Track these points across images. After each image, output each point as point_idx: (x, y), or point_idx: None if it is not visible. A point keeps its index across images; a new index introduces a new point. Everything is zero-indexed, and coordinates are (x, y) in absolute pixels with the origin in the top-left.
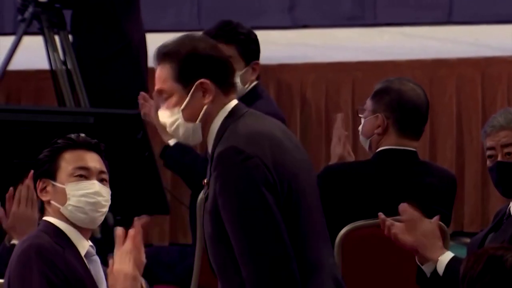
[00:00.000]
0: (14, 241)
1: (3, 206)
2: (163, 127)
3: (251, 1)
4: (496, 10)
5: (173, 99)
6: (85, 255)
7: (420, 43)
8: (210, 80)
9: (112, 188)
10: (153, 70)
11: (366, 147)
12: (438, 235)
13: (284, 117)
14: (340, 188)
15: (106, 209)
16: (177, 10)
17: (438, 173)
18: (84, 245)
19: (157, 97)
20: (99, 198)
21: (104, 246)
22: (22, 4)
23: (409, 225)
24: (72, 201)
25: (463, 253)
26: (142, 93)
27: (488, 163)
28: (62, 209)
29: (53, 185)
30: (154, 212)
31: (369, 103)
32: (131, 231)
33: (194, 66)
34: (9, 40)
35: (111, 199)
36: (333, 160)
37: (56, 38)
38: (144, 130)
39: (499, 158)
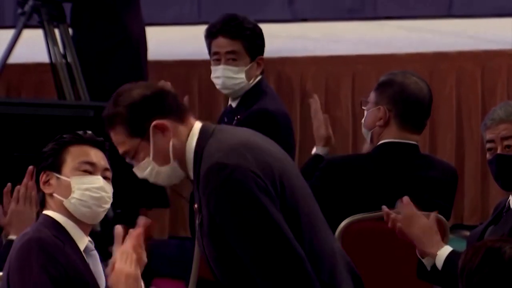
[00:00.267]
0: (11, 237)
1: (1, 200)
2: None
3: None
4: (496, 3)
5: (140, 154)
6: (84, 250)
7: (420, 36)
8: (163, 117)
9: (112, 181)
10: (153, 63)
11: (368, 139)
12: (435, 230)
13: (288, 112)
14: (341, 180)
15: (108, 206)
16: (178, 4)
17: (439, 166)
18: (84, 240)
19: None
20: (103, 194)
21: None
22: None
23: (406, 222)
24: (76, 194)
25: (462, 246)
26: None
27: (488, 156)
28: (65, 202)
29: (58, 178)
30: (154, 206)
31: (372, 95)
32: (133, 230)
33: (139, 115)
34: (9, 33)
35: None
36: (319, 143)
37: (56, 31)
38: None
39: (498, 151)
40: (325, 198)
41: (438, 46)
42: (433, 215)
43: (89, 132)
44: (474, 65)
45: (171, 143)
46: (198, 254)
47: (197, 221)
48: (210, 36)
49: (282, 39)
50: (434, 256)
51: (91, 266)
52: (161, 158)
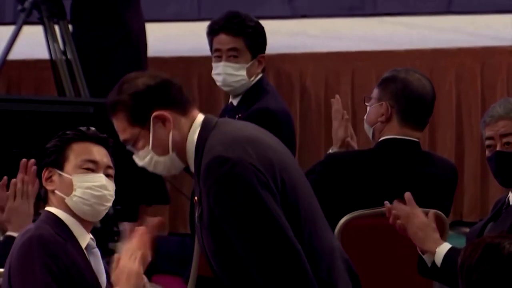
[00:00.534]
0: (10, 233)
1: None
2: None
3: None
4: (496, 0)
5: (140, 142)
6: (85, 248)
7: (420, 33)
8: (164, 108)
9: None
10: (152, 60)
11: (370, 135)
12: (433, 227)
13: (289, 110)
14: (342, 176)
15: (110, 204)
16: (178, 0)
17: (439, 163)
18: (85, 238)
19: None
20: (105, 192)
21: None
22: None
23: (404, 220)
24: (78, 192)
25: (462, 242)
26: None
27: (487, 153)
28: (67, 200)
29: (60, 175)
30: (154, 202)
31: (375, 91)
32: (140, 229)
33: (141, 105)
34: (9, 29)
35: None
36: (336, 144)
37: (56, 28)
38: None
39: (498, 148)
40: (326, 193)
41: (438, 43)
42: (432, 212)
43: (93, 128)
44: (473, 61)
45: (170, 134)
46: (198, 251)
47: (196, 213)
48: (212, 33)
49: (282, 35)
50: (433, 253)
51: (93, 264)
52: (160, 148)
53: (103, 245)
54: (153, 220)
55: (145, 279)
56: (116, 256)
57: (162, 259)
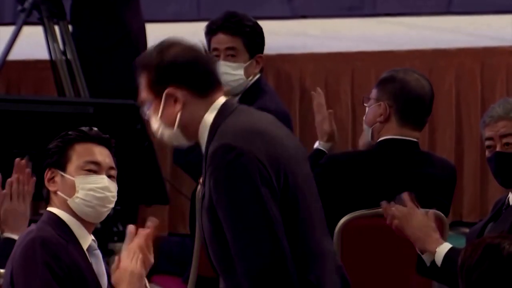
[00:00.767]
0: (7, 234)
1: None
2: None
3: None
4: (495, 0)
5: (152, 107)
6: (87, 249)
7: (420, 33)
8: (181, 87)
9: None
10: None
11: (369, 136)
12: (432, 227)
13: (287, 111)
14: (342, 177)
15: (112, 205)
16: (177, 1)
17: (439, 163)
18: (87, 239)
19: None
20: (108, 194)
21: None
22: None
23: (403, 219)
24: (80, 194)
25: (461, 243)
26: None
27: (487, 153)
28: (69, 201)
29: (62, 176)
30: (153, 202)
31: (373, 92)
32: (143, 230)
33: (160, 78)
34: (9, 30)
35: None
36: (322, 138)
37: (56, 28)
38: (144, 120)
39: (497, 149)
40: (325, 194)
41: (438, 43)
42: (431, 212)
43: (95, 128)
44: (473, 62)
45: (179, 114)
46: (198, 252)
47: (201, 194)
48: (210, 33)
49: (281, 36)
50: (433, 253)
51: (94, 266)
52: (168, 122)
53: (102, 246)
54: (155, 221)
55: (146, 281)
56: (116, 257)
57: (162, 260)
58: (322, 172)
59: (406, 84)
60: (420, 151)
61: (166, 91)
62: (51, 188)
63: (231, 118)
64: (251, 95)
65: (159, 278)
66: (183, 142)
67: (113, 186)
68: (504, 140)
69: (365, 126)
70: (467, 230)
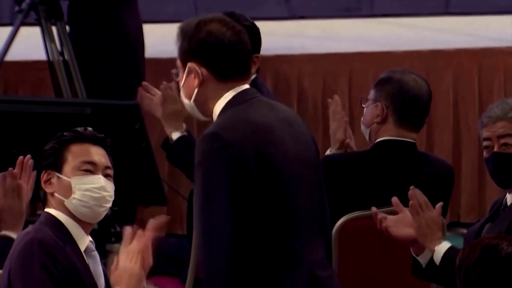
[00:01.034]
0: (4, 233)
1: None
2: (166, 119)
3: None
4: (493, 0)
5: (180, 75)
6: (84, 250)
7: (418, 34)
8: (203, 65)
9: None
10: (150, 61)
11: (366, 137)
12: (439, 224)
13: None
14: (339, 178)
15: (109, 205)
16: (175, 1)
17: (436, 164)
18: (85, 241)
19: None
20: (104, 193)
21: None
22: None
23: (414, 210)
24: (77, 194)
25: (459, 243)
26: (144, 83)
27: (485, 154)
28: (66, 202)
29: (58, 177)
30: (151, 203)
31: (371, 93)
32: (141, 231)
33: (188, 50)
34: (6, 30)
35: None
36: (334, 145)
37: (54, 29)
38: (141, 121)
39: (495, 149)
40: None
41: (435, 44)
42: (439, 207)
43: (90, 128)
44: (471, 62)
45: (196, 89)
46: (195, 252)
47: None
48: None
49: (279, 36)
50: (432, 251)
51: (91, 267)
52: (186, 93)
53: (100, 246)
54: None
55: (145, 283)
56: (115, 257)
57: (159, 260)
58: None
59: (404, 85)
60: (417, 152)
61: (189, 64)
62: (48, 189)
63: (239, 107)
64: None
65: (157, 279)
66: (198, 116)
67: (109, 186)
68: (502, 141)
69: (362, 127)
70: (465, 230)
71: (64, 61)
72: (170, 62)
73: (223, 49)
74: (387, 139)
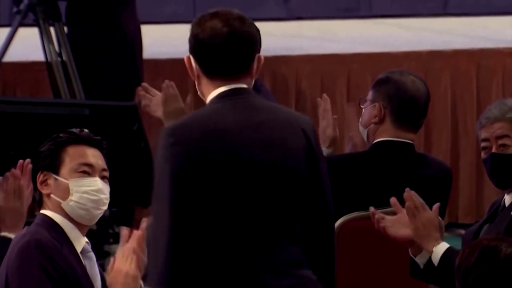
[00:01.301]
0: (4, 234)
1: None
2: (168, 117)
3: None
4: (492, 1)
5: None
6: (81, 252)
7: (416, 34)
8: (195, 60)
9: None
10: (148, 62)
11: (365, 137)
12: (436, 225)
13: None
14: (337, 179)
15: (106, 207)
16: (173, 2)
17: (434, 165)
18: (81, 242)
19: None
20: (101, 196)
21: (99, 238)
22: None
23: (410, 211)
24: (74, 197)
25: (457, 244)
26: (143, 84)
27: (483, 154)
28: (63, 204)
29: (55, 179)
30: (149, 204)
31: (369, 93)
32: (137, 231)
33: (189, 41)
34: (4, 31)
35: None
36: (324, 143)
37: (52, 30)
38: (140, 121)
39: (493, 150)
40: None
41: (433, 45)
42: (436, 208)
43: (86, 130)
44: (469, 63)
45: (196, 83)
46: None
47: None
48: None
49: (278, 37)
50: (429, 252)
51: (88, 268)
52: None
53: (98, 247)
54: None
55: (141, 283)
56: (111, 259)
57: None
58: None
59: (401, 85)
60: (415, 153)
61: (185, 57)
62: (44, 191)
63: (207, 107)
64: None
65: None
66: None
67: (106, 188)
68: (500, 142)
69: (360, 127)
70: (463, 231)
71: (62, 62)
72: (168, 63)
73: (208, 47)
74: (385, 139)
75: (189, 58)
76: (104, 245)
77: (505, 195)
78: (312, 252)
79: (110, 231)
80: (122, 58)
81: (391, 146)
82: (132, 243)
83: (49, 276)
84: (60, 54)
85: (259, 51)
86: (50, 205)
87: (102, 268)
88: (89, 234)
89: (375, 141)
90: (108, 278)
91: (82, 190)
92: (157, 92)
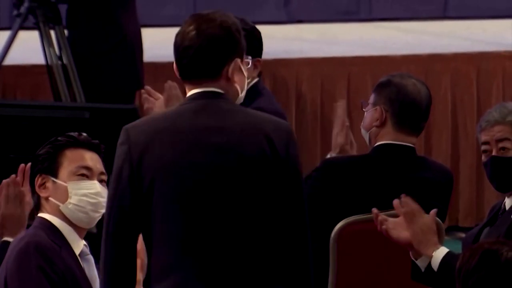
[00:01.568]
0: (6, 238)
1: None
2: None
3: None
4: (491, 4)
5: None
6: (79, 255)
7: (416, 37)
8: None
9: (107, 182)
10: (148, 65)
11: (367, 140)
12: (434, 230)
13: (285, 114)
14: (338, 182)
15: (104, 210)
16: (173, 5)
17: (435, 168)
18: (79, 244)
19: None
20: (100, 199)
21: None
22: None
23: (407, 217)
24: (73, 199)
25: (458, 247)
26: (146, 87)
27: (483, 158)
28: (62, 207)
29: (54, 182)
30: None
31: (371, 96)
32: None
33: None
34: (5, 34)
35: None
36: (334, 149)
37: (52, 33)
38: None
39: (493, 153)
40: (322, 199)
41: (433, 48)
42: (433, 213)
43: (84, 134)
44: (469, 66)
45: None
46: None
47: None
48: None
49: (278, 40)
50: (429, 257)
51: (86, 271)
52: None
53: (98, 250)
54: None
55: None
56: None
57: None
58: (319, 176)
59: (402, 89)
60: (416, 156)
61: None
62: (42, 194)
63: (172, 109)
64: (247, 97)
65: None
66: None
67: (104, 192)
68: (500, 145)
69: (363, 131)
70: (463, 235)
71: (63, 65)
72: (168, 66)
73: (177, 50)
74: (386, 143)
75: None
76: None
77: (506, 198)
78: (282, 266)
79: None
80: (122, 61)
81: (392, 149)
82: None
83: (48, 278)
84: (60, 57)
85: (238, 54)
86: (49, 208)
87: None
88: (90, 237)
89: (376, 144)
90: None
91: (81, 192)
92: (160, 95)
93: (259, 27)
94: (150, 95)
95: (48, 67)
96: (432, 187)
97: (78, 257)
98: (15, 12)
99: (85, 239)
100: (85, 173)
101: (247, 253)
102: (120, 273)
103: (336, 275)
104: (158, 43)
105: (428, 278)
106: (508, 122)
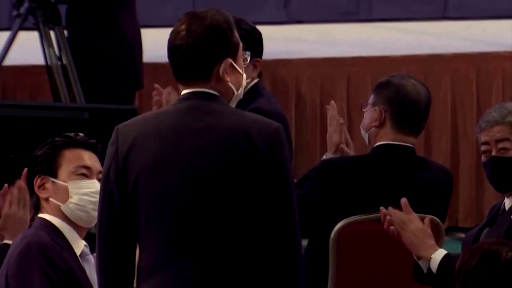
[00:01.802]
0: (6, 241)
1: None
2: None
3: None
4: (491, 5)
5: None
6: (80, 255)
7: (415, 38)
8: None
9: None
10: (148, 66)
11: (366, 141)
12: (429, 233)
13: (285, 115)
14: (337, 182)
15: None
16: (173, 5)
17: (435, 168)
18: (80, 245)
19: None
20: None
21: None
22: (17, 0)
23: (398, 226)
24: (74, 199)
25: (457, 248)
26: (155, 85)
27: (483, 158)
28: (63, 207)
29: (53, 182)
30: None
31: (371, 97)
32: None
33: None
34: (4, 35)
35: None
36: (330, 149)
37: (52, 33)
38: None
39: (493, 153)
40: (321, 199)
41: (433, 48)
42: (428, 218)
43: (81, 134)
44: (469, 67)
45: None
46: None
47: None
48: None
49: (277, 41)
50: (428, 259)
51: (87, 271)
52: None
53: None
54: None
55: None
56: None
57: None
58: (317, 177)
59: (401, 89)
60: (416, 157)
61: None
62: (42, 194)
63: (161, 109)
64: (247, 98)
65: None
66: None
67: None
68: (500, 145)
69: (362, 131)
70: (462, 235)
71: (62, 66)
72: (168, 66)
73: (168, 48)
74: (386, 143)
75: None
76: None
77: (505, 198)
78: (268, 267)
79: None
80: (122, 62)
81: (391, 149)
82: None
83: (50, 278)
84: (60, 58)
85: (230, 54)
86: (49, 209)
87: None
88: (90, 237)
89: (375, 145)
90: None
91: (82, 192)
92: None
93: (259, 28)
94: (159, 94)
95: (47, 68)
96: (432, 188)
97: (79, 258)
98: (15, 13)
99: (85, 239)
100: (85, 173)
101: (231, 253)
102: (116, 273)
103: (336, 275)
104: (158, 44)
105: (430, 279)
106: (507, 123)
